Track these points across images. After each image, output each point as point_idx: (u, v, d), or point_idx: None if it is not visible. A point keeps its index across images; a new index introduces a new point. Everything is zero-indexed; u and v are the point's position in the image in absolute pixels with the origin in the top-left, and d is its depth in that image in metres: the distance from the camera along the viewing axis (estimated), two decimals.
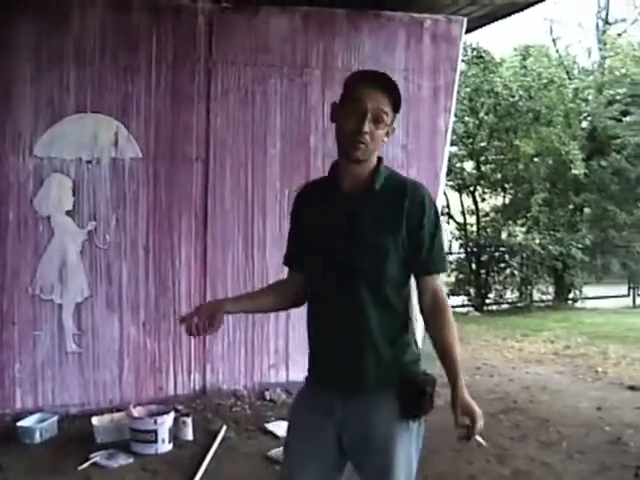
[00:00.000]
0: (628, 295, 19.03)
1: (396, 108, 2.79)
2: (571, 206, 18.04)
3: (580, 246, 16.40)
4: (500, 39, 18.91)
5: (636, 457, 5.80)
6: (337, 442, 2.85)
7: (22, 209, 6.51)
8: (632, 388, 8.17)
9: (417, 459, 2.87)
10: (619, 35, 20.43)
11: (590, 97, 18.00)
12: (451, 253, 18.36)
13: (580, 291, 17.51)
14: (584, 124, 18.22)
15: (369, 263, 2.76)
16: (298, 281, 3.01)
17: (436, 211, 2.81)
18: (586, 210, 18.35)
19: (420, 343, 3.10)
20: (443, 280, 2.88)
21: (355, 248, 2.77)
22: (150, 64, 6.81)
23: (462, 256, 17.69)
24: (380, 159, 2.86)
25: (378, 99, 2.73)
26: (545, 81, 16.87)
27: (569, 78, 18.19)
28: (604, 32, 20.92)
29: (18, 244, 6.52)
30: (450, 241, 19.01)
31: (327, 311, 2.88)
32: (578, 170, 16.04)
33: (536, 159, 17.31)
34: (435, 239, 2.78)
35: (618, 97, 17.79)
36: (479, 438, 2.70)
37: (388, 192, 2.77)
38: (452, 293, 16.64)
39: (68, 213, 6.67)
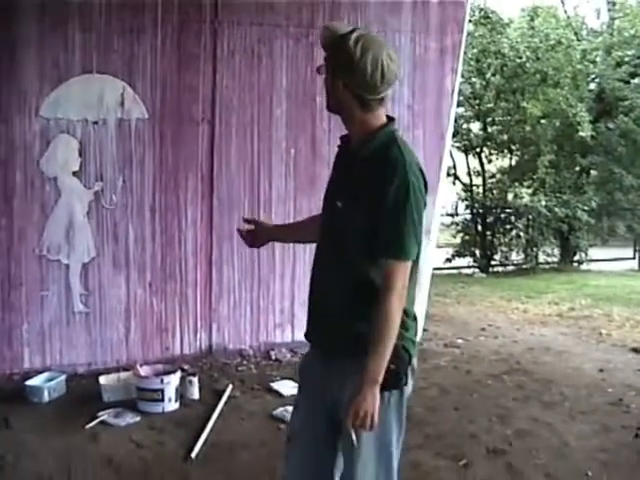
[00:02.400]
0: (634, 258, 19.04)
1: (332, 60, 2.78)
2: (577, 168, 17.98)
3: (586, 208, 16.35)
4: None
5: (637, 418, 5.88)
6: (324, 400, 2.92)
7: (29, 170, 6.51)
8: (635, 350, 8.24)
9: (399, 428, 2.88)
10: None
11: (598, 59, 17.86)
12: (457, 214, 18.40)
13: (585, 253, 17.54)
14: (592, 86, 18.08)
15: (341, 230, 2.79)
16: None
17: (405, 194, 2.67)
18: (592, 172, 18.28)
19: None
20: (402, 269, 2.71)
21: (331, 210, 2.85)
22: (156, 25, 6.78)
23: (468, 217, 17.71)
24: (382, 127, 2.82)
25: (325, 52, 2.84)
26: (553, 42, 16.67)
27: (577, 39, 18.02)
28: None
29: (25, 205, 6.53)
30: (456, 202, 19.06)
31: (312, 274, 2.99)
32: (585, 132, 15.92)
33: (543, 121, 17.18)
34: (396, 224, 2.68)
35: (627, 59, 17.67)
36: (353, 436, 2.70)
37: (371, 162, 2.75)
38: (458, 254, 16.77)
39: (75, 174, 6.67)
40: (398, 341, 2.72)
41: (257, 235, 3.33)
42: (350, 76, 2.71)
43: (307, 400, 3.04)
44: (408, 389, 2.88)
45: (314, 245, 3.05)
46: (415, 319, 2.90)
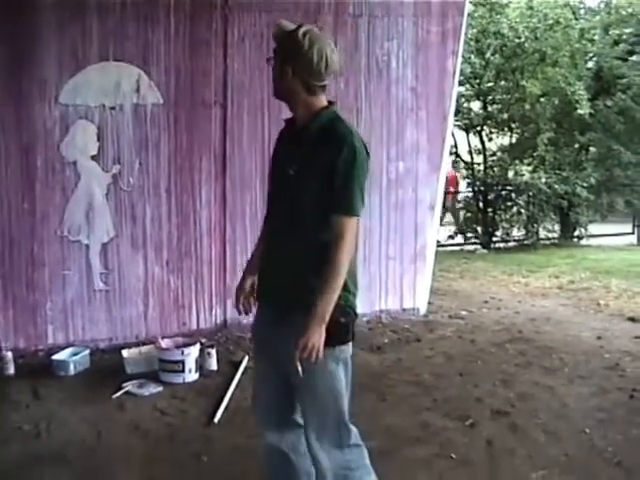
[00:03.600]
0: (633, 233, 19.16)
1: (282, 50, 3.15)
2: (577, 145, 18.10)
3: (585, 185, 16.47)
4: None
5: (632, 381, 6.16)
6: (277, 355, 3.25)
7: (49, 155, 6.74)
8: (632, 319, 8.51)
9: (346, 378, 3.23)
10: None
11: (596, 37, 17.97)
12: (459, 192, 18.58)
13: (585, 229, 17.58)
14: (590, 64, 18.20)
15: (291, 193, 3.14)
16: None
17: (353, 159, 3.01)
18: (591, 149, 18.40)
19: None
20: (351, 224, 3.06)
21: (282, 178, 3.19)
22: (169, 13, 6.99)
23: (469, 195, 17.91)
24: (325, 108, 3.17)
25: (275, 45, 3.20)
26: (551, 22, 16.70)
27: (575, 18, 18.06)
28: None
29: (46, 188, 6.76)
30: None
31: (266, 232, 3.38)
32: (584, 110, 16.02)
33: (542, 99, 17.32)
34: (346, 184, 3.01)
35: (624, 37, 17.82)
36: (299, 367, 3.01)
37: (319, 135, 3.10)
38: (460, 231, 16.93)
39: (93, 158, 6.90)
40: (345, 301, 3.10)
41: (247, 297, 3.52)
42: (299, 64, 3.08)
43: (264, 359, 3.41)
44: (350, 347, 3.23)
45: None
46: (356, 283, 3.25)
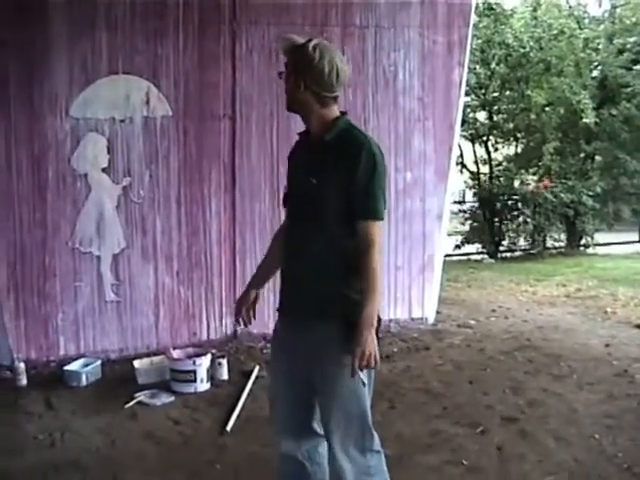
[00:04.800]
0: (639, 241, 19.22)
1: (293, 64, 3.20)
2: (582, 154, 18.20)
3: (591, 194, 16.49)
4: None
5: None
6: (299, 364, 3.29)
7: (61, 167, 6.82)
8: (639, 327, 8.51)
9: (369, 381, 3.23)
10: None
11: (600, 46, 18.08)
12: (464, 202, 18.63)
13: (592, 238, 17.53)
14: (594, 73, 18.28)
15: (313, 201, 3.16)
16: None
17: (374, 165, 3.08)
18: (597, 158, 18.49)
19: None
20: (378, 228, 3.13)
21: (304, 187, 3.20)
22: (178, 27, 7.07)
23: (476, 205, 17.93)
24: (338, 117, 3.23)
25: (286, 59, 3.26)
26: (555, 32, 16.89)
27: (580, 28, 18.18)
28: None
29: (58, 201, 6.84)
30: (463, 190, 19.32)
31: (285, 244, 3.37)
32: (589, 119, 16.15)
33: (547, 109, 17.40)
34: (368, 188, 3.08)
35: (628, 46, 17.89)
36: (361, 374, 3.06)
37: (337, 144, 3.14)
38: (466, 241, 16.92)
39: (104, 170, 6.97)
40: None
41: (247, 309, 3.60)
42: (311, 76, 3.14)
43: (285, 367, 3.39)
44: None
45: None
46: None
